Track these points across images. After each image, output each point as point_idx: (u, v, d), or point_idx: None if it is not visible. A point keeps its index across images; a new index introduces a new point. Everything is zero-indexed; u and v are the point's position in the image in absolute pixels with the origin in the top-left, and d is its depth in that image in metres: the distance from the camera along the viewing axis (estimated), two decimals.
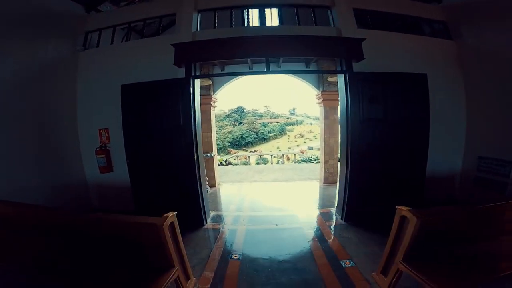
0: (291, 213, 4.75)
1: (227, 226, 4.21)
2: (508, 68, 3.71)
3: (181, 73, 4.04)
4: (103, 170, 4.35)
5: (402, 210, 2.23)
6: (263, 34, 4.17)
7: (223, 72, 6.02)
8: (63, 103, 4.47)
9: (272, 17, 4.98)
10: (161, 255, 2.14)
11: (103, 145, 4.45)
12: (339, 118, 6.55)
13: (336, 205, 4.64)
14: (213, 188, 6.62)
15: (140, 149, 4.10)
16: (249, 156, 15.46)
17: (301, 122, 68.29)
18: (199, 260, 3.16)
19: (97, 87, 4.60)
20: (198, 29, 4.63)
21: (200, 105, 4.47)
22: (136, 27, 5.29)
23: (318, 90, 6.63)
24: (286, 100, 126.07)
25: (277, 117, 69.05)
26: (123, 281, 1.97)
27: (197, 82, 4.15)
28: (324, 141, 6.62)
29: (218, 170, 7.23)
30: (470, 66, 4.39)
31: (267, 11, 4.78)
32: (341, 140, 4.25)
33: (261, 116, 67.10)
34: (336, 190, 6.12)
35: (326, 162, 6.65)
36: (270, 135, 60.20)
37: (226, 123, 60.70)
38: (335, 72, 4.65)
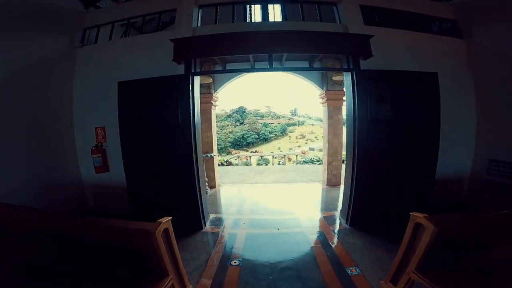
0: (293, 216, 4.59)
1: (227, 229, 4.05)
2: None
3: (180, 70, 3.88)
4: (99, 170, 4.19)
5: (417, 217, 2.07)
6: (266, 29, 4.02)
7: (224, 69, 5.86)
8: (59, 101, 4.33)
9: (275, 13, 4.84)
10: (154, 263, 1.99)
11: (99, 144, 4.30)
12: (343, 118, 6.42)
13: (340, 208, 4.48)
14: (213, 189, 6.47)
15: (136, 148, 3.94)
16: (250, 157, 15.32)
17: (302, 123, 68.28)
18: (196, 266, 3.02)
19: (94, 84, 4.47)
20: (199, 25, 4.48)
21: (201, 104, 4.34)
22: (136, 23, 5.17)
23: (322, 89, 6.45)
24: (287, 101, 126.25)
25: (278, 117, 69.09)
26: None
27: (197, 80, 3.99)
28: (328, 142, 6.43)
29: (218, 171, 7.08)
30: (480, 66, 4.23)
31: (270, 7, 4.62)
32: (347, 141, 4.09)
33: (262, 116, 67.17)
34: (339, 192, 5.98)
35: (329, 163, 6.47)
36: (271, 135, 60.21)
37: (227, 123, 60.78)
38: (341, 70, 4.48)
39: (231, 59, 5.76)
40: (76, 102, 4.55)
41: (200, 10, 4.59)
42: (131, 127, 3.92)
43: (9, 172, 3.36)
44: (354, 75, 3.73)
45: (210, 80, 6.02)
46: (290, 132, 63.53)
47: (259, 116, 66.73)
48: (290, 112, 73.75)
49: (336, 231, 3.94)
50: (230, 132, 57.59)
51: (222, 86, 6.52)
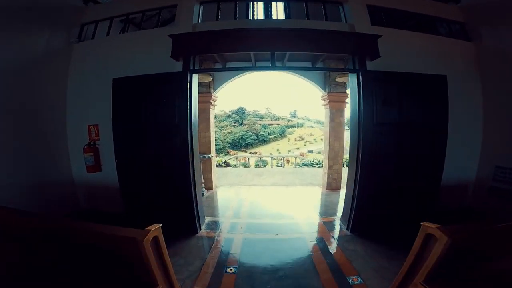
0: (292, 221, 4.45)
1: (223, 234, 3.90)
2: None
3: (178, 67, 3.74)
4: (90, 170, 4.02)
5: (429, 227, 1.92)
6: (269, 26, 3.88)
7: (223, 67, 5.72)
8: (52, 97, 4.20)
9: (278, 12, 4.70)
10: (143, 271, 1.84)
11: (92, 143, 4.13)
12: (345, 121, 6.30)
13: (341, 214, 4.34)
14: (210, 191, 6.31)
15: (130, 148, 3.80)
16: (248, 158, 15.16)
17: (301, 125, 68.27)
18: (190, 272, 2.88)
19: (89, 80, 4.32)
20: (200, 22, 4.34)
21: (199, 103, 4.20)
22: (135, 19, 5.03)
23: (324, 91, 6.31)
24: (287, 103, 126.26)
25: (277, 119, 69.04)
26: None
27: (196, 78, 3.85)
28: (329, 145, 6.28)
29: (216, 172, 6.93)
30: (489, 69, 4.13)
31: (273, 5, 4.49)
32: (350, 143, 3.95)
33: (261, 117, 67.09)
34: (339, 197, 5.86)
35: (330, 167, 6.33)
36: (270, 137, 60.13)
37: (226, 124, 60.66)
38: (346, 71, 4.35)
39: (231, 57, 5.64)
40: (70, 99, 4.40)
41: (202, 7, 4.46)
42: (125, 126, 3.78)
43: None
44: (360, 76, 3.59)
45: (210, 78, 5.87)
46: (289, 134, 63.46)
47: (258, 117, 66.61)
48: (289, 114, 73.72)
49: (336, 237, 3.80)
50: (229, 133, 57.43)
51: (222, 86, 6.37)
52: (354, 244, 3.53)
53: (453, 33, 4.47)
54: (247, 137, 56.57)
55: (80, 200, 4.57)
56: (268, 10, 4.42)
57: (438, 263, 1.86)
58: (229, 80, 6.31)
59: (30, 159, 3.75)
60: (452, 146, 3.90)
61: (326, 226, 4.22)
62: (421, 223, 2.05)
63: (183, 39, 3.64)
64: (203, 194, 5.78)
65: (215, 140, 6.74)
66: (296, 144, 59.65)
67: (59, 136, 4.31)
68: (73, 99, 4.39)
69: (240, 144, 55.52)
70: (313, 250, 3.41)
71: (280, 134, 62.18)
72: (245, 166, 14.29)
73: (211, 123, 6.36)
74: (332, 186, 6.37)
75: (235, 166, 14.14)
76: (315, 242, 3.63)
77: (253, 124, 60.88)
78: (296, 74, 6.20)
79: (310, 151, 50.39)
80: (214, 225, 4.20)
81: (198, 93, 4.05)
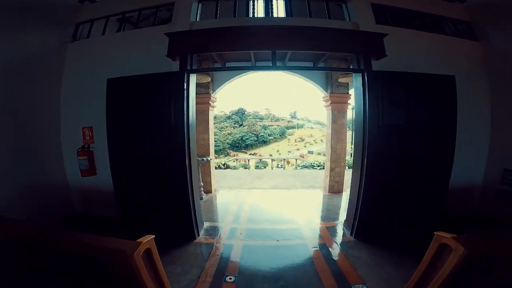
0: (293, 226, 4.30)
1: (222, 240, 3.75)
2: None
3: (175, 66, 3.60)
4: (85, 174, 3.88)
5: (443, 237, 1.79)
6: (270, 24, 3.75)
7: (222, 67, 5.58)
8: (45, 98, 4.09)
9: (279, 10, 4.57)
10: (135, 285, 1.70)
11: (86, 146, 3.99)
12: (348, 122, 6.15)
13: (344, 218, 4.19)
14: (209, 195, 6.16)
15: (125, 151, 3.65)
16: (248, 160, 15.00)
17: (301, 126, 68.26)
18: (187, 281, 2.75)
19: (84, 81, 4.20)
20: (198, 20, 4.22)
21: (198, 104, 4.07)
22: (131, 18, 4.91)
23: (326, 91, 6.16)
24: (287, 103, 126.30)
25: (277, 120, 69.02)
26: None
27: (193, 78, 3.71)
28: (331, 147, 6.13)
29: (215, 175, 6.78)
30: (496, 70, 4.01)
31: (274, 2, 4.36)
32: (355, 146, 3.81)
33: (261, 118, 67.05)
34: (341, 200, 5.72)
35: (332, 170, 6.17)
36: (270, 138, 60.08)
37: (226, 125, 60.57)
38: (351, 71, 4.21)
39: (231, 57, 5.52)
40: (64, 100, 4.28)
41: (200, 5, 4.34)
42: (120, 128, 3.64)
43: None
44: (366, 76, 3.46)
45: (209, 79, 5.73)
46: (289, 135, 63.42)
47: (258, 118, 66.53)
48: (289, 115, 73.72)
49: (340, 243, 3.67)
50: (229, 134, 57.31)
51: (221, 86, 6.23)
52: (358, 250, 3.40)
53: (459, 32, 4.35)
54: (247, 138, 56.47)
55: (75, 204, 4.44)
56: (268, 8, 4.28)
57: (452, 274, 1.74)
58: (229, 81, 6.17)
59: (23, 162, 3.64)
60: (459, 148, 3.77)
61: (329, 231, 4.08)
62: (434, 233, 1.92)
63: (180, 37, 3.50)
64: (202, 198, 5.64)
65: (215, 141, 6.60)
66: (296, 145, 59.60)
67: (53, 139, 4.20)
68: (67, 101, 4.27)
69: (240, 145, 55.42)
70: (316, 257, 3.27)
71: (280, 135, 62.14)
72: (245, 168, 14.15)
73: (210, 125, 6.21)
74: (334, 189, 6.23)
75: (234, 167, 13.98)
76: (318, 248, 3.51)
77: (253, 125, 60.81)
78: (297, 75, 6.06)
79: (310, 152, 50.39)
80: (213, 231, 4.06)
81: (197, 94, 3.91)
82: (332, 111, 6.06)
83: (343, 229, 4.07)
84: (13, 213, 3.27)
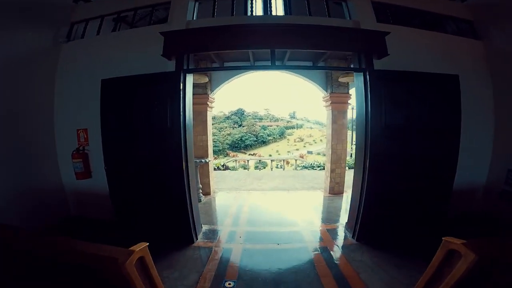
0: (294, 229, 4.22)
1: (221, 244, 3.68)
2: None
3: (171, 66, 3.52)
4: (80, 177, 3.79)
5: (452, 243, 1.70)
6: (269, 22, 3.67)
7: (220, 66, 5.49)
8: (38, 100, 4.00)
9: (278, 9, 4.50)
10: None
11: (81, 148, 3.90)
12: (348, 122, 6.08)
13: (345, 220, 4.11)
14: (208, 197, 6.07)
15: (120, 153, 3.56)
16: (248, 160, 14.91)
17: (301, 126, 68.33)
18: (185, 287, 2.69)
19: (78, 82, 4.11)
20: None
21: (195, 105, 3.98)
22: (127, 18, 4.82)
23: (326, 91, 6.08)
24: (286, 104, 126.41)
25: (277, 120, 69.10)
26: None
27: (190, 78, 3.62)
28: (331, 148, 6.05)
29: (214, 177, 6.69)
30: (499, 69, 3.95)
31: (273, 1, 4.28)
32: (356, 146, 3.73)
33: (261, 119, 67.12)
34: (342, 202, 5.64)
35: (332, 171, 6.09)
36: (270, 138, 60.12)
37: (225, 125, 60.60)
38: (352, 70, 4.12)
39: (229, 57, 5.43)
40: (58, 102, 4.19)
41: (197, 3, 4.26)
42: (115, 130, 3.55)
43: None
44: (367, 76, 3.38)
45: (206, 79, 5.64)
46: (289, 135, 63.49)
47: (257, 118, 66.59)
48: (288, 115, 73.82)
49: (342, 246, 3.60)
50: (229, 134, 57.30)
51: (220, 87, 6.15)
52: (361, 253, 3.33)
53: (461, 31, 4.29)
54: (247, 139, 56.49)
55: (70, 207, 4.35)
56: (267, 6, 4.20)
57: (460, 280, 1.67)
58: (227, 81, 6.09)
59: (16, 164, 3.56)
60: (462, 148, 3.68)
61: (330, 234, 4.01)
62: (442, 238, 1.84)
63: (175, 36, 3.41)
64: (200, 200, 5.55)
65: (214, 142, 6.51)
66: (295, 145, 59.65)
67: (47, 141, 4.11)
68: (61, 102, 4.18)
69: (239, 146, 55.42)
70: (317, 261, 3.20)
71: (280, 135, 62.20)
72: (244, 168, 14.06)
73: (208, 126, 6.12)
74: (334, 190, 6.15)
75: (234, 168, 13.90)
76: (319, 252, 3.43)
77: (252, 125, 60.87)
78: (297, 74, 5.99)
79: (310, 152, 50.41)
80: (211, 234, 3.97)
81: (194, 94, 3.84)
82: (332, 111, 5.99)
83: (344, 232, 4.00)
84: (7, 216, 3.25)
